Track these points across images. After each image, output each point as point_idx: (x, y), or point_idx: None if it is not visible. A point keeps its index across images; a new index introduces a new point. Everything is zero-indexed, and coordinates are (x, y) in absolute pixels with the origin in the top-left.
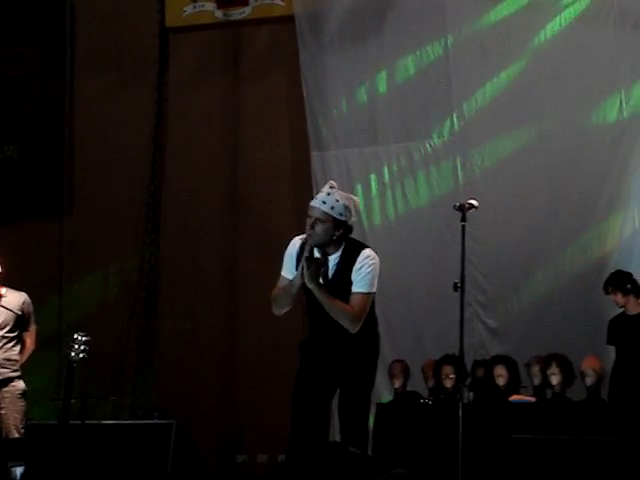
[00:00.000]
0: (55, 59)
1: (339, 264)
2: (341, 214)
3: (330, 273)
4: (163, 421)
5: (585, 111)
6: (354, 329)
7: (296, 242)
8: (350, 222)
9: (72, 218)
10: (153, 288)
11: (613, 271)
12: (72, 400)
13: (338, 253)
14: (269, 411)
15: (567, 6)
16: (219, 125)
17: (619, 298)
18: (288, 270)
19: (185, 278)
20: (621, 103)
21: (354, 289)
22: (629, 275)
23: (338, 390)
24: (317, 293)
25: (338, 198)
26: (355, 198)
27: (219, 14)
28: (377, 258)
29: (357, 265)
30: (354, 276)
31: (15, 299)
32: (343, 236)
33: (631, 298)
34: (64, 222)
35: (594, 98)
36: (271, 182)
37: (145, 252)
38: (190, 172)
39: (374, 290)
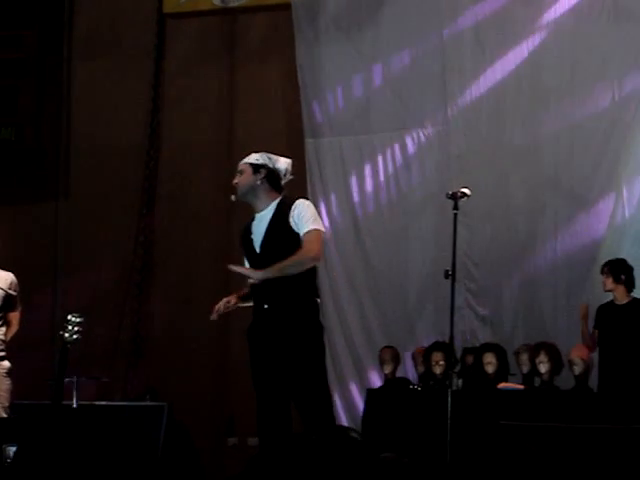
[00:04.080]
0: (53, 42)
1: (273, 217)
2: (257, 159)
3: (264, 227)
4: (155, 403)
5: (578, 101)
6: (318, 263)
7: (242, 228)
8: (271, 166)
9: (68, 201)
10: (147, 271)
11: (604, 260)
12: (65, 381)
13: (271, 208)
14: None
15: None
16: (215, 111)
17: (609, 282)
18: (244, 258)
19: (179, 262)
20: (614, 94)
21: (302, 231)
22: (629, 268)
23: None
24: (271, 274)
25: (254, 154)
26: (287, 159)
27: (216, 1)
28: (311, 204)
29: (292, 213)
30: (295, 222)
31: (3, 278)
32: (269, 184)
33: (621, 288)
34: (60, 205)
35: (587, 89)
36: None
37: (140, 235)
38: (185, 157)
39: (321, 227)
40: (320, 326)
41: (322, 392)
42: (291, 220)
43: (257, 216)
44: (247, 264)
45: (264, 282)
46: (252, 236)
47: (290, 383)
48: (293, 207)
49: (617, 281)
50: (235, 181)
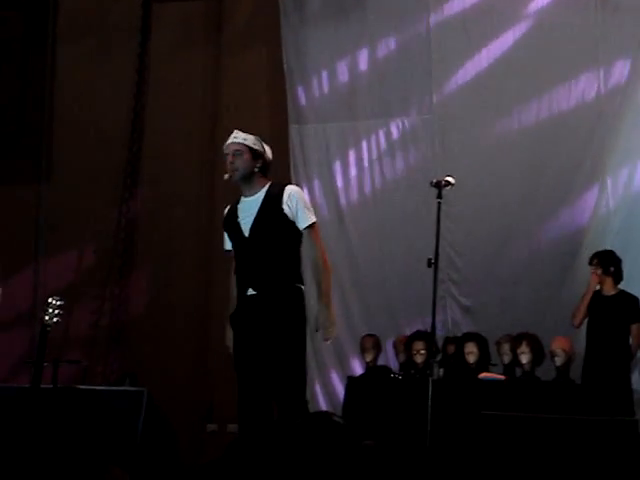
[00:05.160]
0: (38, 24)
1: (264, 202)
2: (255, 144)
3: (254, 214)
4: (134, 388)
5: (564, 91)
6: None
7: (225, 211)
8: (266, 157)
9: (50, 184)
10: (128, 256)
11: (588, 251)
12: (44, 364)
13: (261, 193)
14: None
15: None
16: (199, 95)
17: (598, 272)
18: (225, 241)
19: (160, 246)
20: (599, 84)
21: (302, 225)
22: (618, 259)
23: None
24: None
25: (247, 134)
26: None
27: None
28: (301, 190)
29: (285, 199)
30: (290, 209)
31: None
32: (262, 172)
33: (609, 280)
34: (42, 187)
35: (573, 79)
36: None
37: (121, 219)
38: (169, 141)
39: (315, 217)
40: (304, 313)
41: (300, 378)
42: (285, 206)
43: (244, 200)
44: (228, 245)
45: (249, 269)
46: (239, 220)
47: (272, 368)
48: (285, 193)
49: (606, 272)
50: (231, 161)
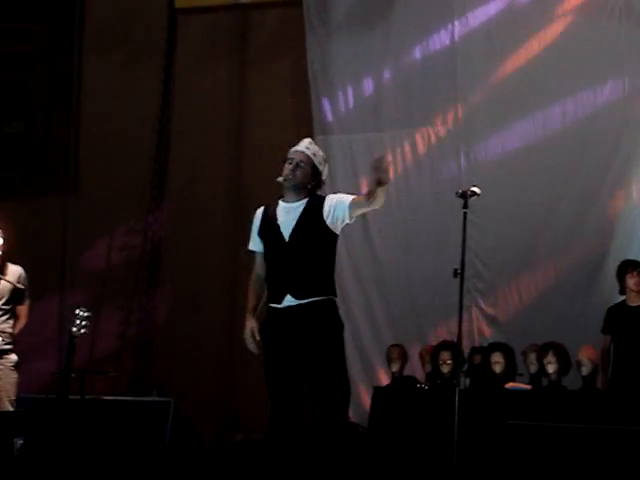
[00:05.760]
0: (64, 36)
1: (306, 209)
2: (320, 163)
3: (295, 219)
4: (161, 399)
5: (590, 98)
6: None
7: (258, 212)
8: (322, 178)
9: (77, 195)
10: (155, 267)
11: (614, 260)
12: (72, 375)
13: (303, 202)
14: (266, 390)
15: (574, 0)
16: (224, 107)
17: (637, 280)
18: (253, 241)
19: (187, 258)
20: (625, 91)
21: (349, 198)
22: None
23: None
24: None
25: (318, 149)
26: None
27: None
28: None
29: (329, 203)
30: (334, 208)
31: (12, 272)
32: (313, 189)
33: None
34: (69, 199)
35: (598, 90)
36: (275, 164)
37: (148, 231)
38: (195, 153)
39: None
40: (342, 324)
41: (345, 395)
42: (328, 209)
43: (284, 205)
44: (256, 247)
45: (287, 275)
46: (278, 222)
47: (313, 381)
48: (327, 202)
49: None
50: (293, 169)
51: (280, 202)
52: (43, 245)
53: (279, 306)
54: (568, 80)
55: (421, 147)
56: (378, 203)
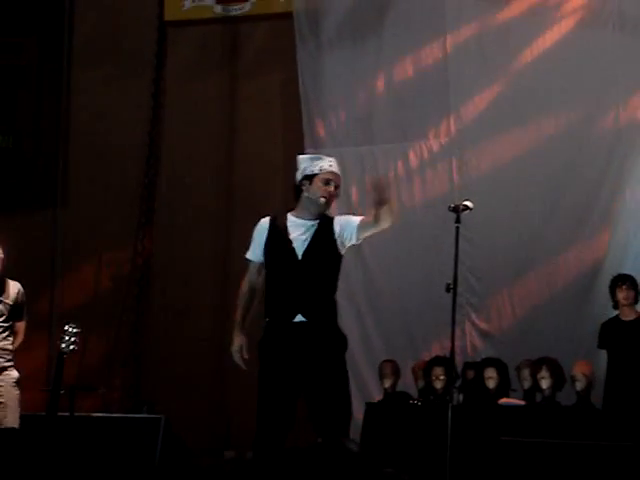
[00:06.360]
0: (53, 49)
1: (319, 230)
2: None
3: (309, 237)
4: (152, 415)
5: (583, 117)
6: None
7: (263, 222)
8: None
9: (66, 209)
10: (145, 282)
11: (607, 274)
12: (61, 392)
13: (317, 221)
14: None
15: (567, 11)
16: (215, 120)
17: (630, 295)
18: (253, 251)
19: (177, 273)
20: (618, 109)
21: (357, 219)
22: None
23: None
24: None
25: None
26: None
27: (218, 9)
28: None
29: (338, 224)
30: (343, 229)
31: (10, 289)
32: None
33: (632, 304)
34: (58, 213)
35: (592, 104)
36: (266, 178)
37: (138, 245)
38: (185, 166)
39: None
40: (347, 343)
41: (348, 412)
42: (336, 233)
43: (297, 220)
44: (257, 257)
45: (299, 293)
46: (291, 237)
47: (320, 399)
48: (335, 222)
49: (636, 297)
50: (334, 194)
51: (290, 216)
52: (32, 260)
53: (286, 324)
54: (561, 91)
55: (413, 161)
56: (386, 223)
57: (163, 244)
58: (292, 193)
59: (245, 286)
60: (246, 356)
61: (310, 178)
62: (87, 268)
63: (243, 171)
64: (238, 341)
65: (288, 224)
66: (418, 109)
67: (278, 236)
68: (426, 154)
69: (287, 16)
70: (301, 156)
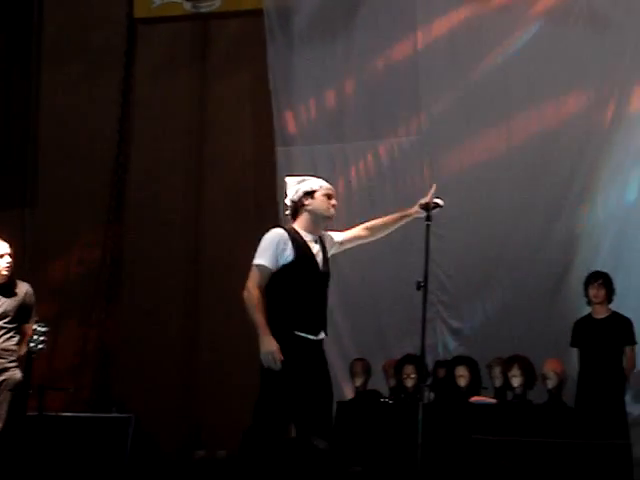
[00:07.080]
0: (21, 46)
1: (323, 246)
2: None
3: (322, 253)
4: (121, 415)
5: (553, 112)
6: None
7: (282, 233)
8: None
9: (35, 208)
10: (114, 281)
11: (580, 271)
12: (30, 391)
13: (317, 236)
14: (228, 407)
15: (538, 8)
16: (185, 117)
17: (600, 293)
18: (270, 259)
19: (147, 272)
20: (590, 101)
21: (338, 235)
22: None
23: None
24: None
25: None
26: None
27: (188, 6)
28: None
29: (327, 239)
30: (330, 245)
31: (20, 289)
32: None
33: (605, 302)
34: (27, 212)
35: (562, 100)
36: (236, 175)
37: (107, 244)
38: (154, 164)
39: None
40: None
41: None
42: (328, 248)
43: (309, 236)
44: (275, 266)
45: (320, 309)
46: (314, 252)
47: (323, 409)
48: (329, 238)
49: (608, 297)
50: (335, 206)
51: (302, 232)
52: None
53: (314, 338)
54: (532, 90)
55: (384, 158)
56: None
57: (132, 243)
58: (265, 192)
59: (256, 291)
60: (282, 357)
61: (311, 194)
62: (56, 267)
63: (213, 169)
64: (274, 343)
65: (307, 241)
66: (388, 106)
67: (304, 251)
68: (397, 151)
69: (257, 13)
70: (289, 178)
